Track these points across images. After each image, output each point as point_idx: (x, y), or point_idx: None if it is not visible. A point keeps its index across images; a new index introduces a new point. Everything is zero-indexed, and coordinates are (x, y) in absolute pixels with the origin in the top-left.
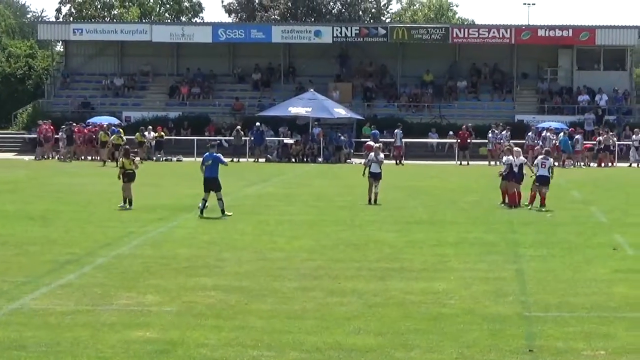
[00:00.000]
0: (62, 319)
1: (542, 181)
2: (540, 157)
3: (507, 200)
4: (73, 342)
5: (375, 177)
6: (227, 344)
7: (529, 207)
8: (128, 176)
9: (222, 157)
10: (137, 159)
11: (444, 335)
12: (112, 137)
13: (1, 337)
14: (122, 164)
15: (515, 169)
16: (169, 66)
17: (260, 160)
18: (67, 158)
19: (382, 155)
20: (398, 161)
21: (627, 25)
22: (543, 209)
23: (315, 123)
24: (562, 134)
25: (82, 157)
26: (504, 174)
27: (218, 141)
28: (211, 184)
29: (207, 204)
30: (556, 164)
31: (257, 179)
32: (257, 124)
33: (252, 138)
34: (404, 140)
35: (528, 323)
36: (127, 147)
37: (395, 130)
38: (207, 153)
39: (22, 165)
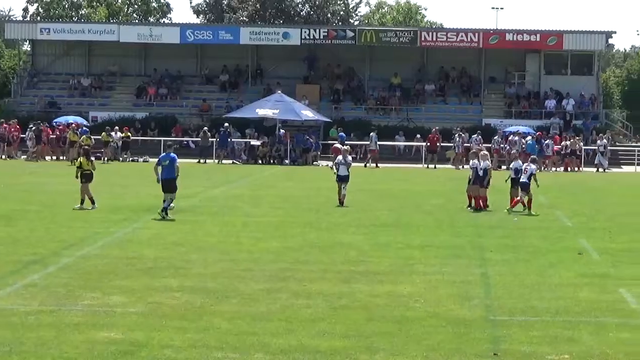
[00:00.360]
0: (26, 319)
1: (522, 187)
2: (524, 163)
3: (473, 204)
4: (37, 343)
5: (342, 179)
6: (191, 345)
7: (519, 210)
8: (85, 177)
9: (176, 158)
10: (105, 158)
11: (409, 338)
12: (81, 138)
13: None
14: (80, 163)
15: (480, 173)
16: (137, 66)
17: (224, 161)
18: (34, 158)
19: (349, 157)
20: (374, 164)
21: (595, 31)
22: (512, 212)
23: (279, 125)
24: (529, 137)
25: (50, 157)
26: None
27: (185, 142)
28: (169, 184)
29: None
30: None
31: (224, 181)
32: (226, 124)
33: (218, 139)
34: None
35: (493, 327)
36: (86, 147)
37: (371, 134)
38: (164, 153)
39: None
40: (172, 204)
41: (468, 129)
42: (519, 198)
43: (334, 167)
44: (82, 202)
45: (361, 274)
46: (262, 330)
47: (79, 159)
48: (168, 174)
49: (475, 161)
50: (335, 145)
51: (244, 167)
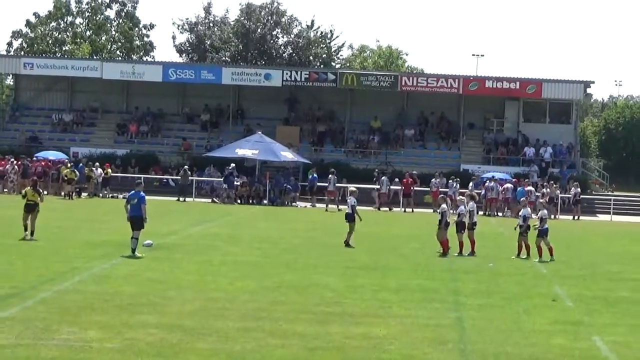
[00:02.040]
0: (2, 353)
1: (546, 233)
2: (542, 211)
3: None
4: None
5: (352, 219)
6: None
7: (514, 257)
8: (28, 207)
9: (145, 198)
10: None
11: None
12: (65, 171)
13: None
14: (26, 193)
15: (446, 218)
16: (119, 103)
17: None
18: (16, 191)
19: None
20: (387, 208)
21: (573, 80)
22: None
23: (230, 168)
24: (508, 185)
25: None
26: (457, 220)
27: (165, 180)
28: (136, 222)
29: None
30: (499, 214)
31: (203, 219)
32: (232, 164)
33: (225, 179)
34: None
35: None
36: (35, 178)
37: (382, 178)
38: (133, 191)
39: None
40: (150, 241)
41: (446, 174)
42: (547, 246)
43: (349, 208)
44: (25, 230)
45: (336, 315)
46: None
47: (25, 189)
48: (135, 211)
49: (444, 205)
50: (329, 189)
51: (222, 207)
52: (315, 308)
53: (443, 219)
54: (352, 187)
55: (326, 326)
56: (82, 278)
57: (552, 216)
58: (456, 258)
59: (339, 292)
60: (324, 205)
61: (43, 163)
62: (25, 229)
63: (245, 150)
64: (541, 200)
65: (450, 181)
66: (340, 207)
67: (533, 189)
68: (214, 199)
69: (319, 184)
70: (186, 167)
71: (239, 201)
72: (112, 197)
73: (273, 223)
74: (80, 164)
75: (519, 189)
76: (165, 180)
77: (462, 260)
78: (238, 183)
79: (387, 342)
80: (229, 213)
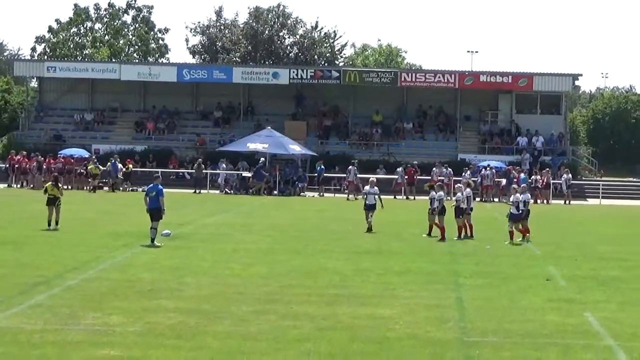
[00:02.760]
0: (32, 337)
1: (516, 218)
2: (515, 195)
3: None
4: (41, 359)
5: (370, 208)
6: None
7: (505, 242)
8: (48, 200)
9: (163, 190)
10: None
11: (389, 358)
12: (89, 167)
13: None
14: (46, 189)
15: (436, 204)
16: (136, 103)
17: (262, 194)
18: (36, 186)
19: (375, 188)
20: (404, 196)
21: (563, 73)
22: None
23: (260, 163)
24: (522, 174)
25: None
26: (455, 206)
27: (181, 173)
28: (155, 213)
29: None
30: (495, 200)
31: (217, 210)
32: (262, 159)
33: (254, 172)
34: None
35: (467, 347)
36: (55, 174)
37: (398, 169)
38: (152, 184)
39: None
40: (168, 231)
41: (444, 163)
42: (521, 229)
43: (363, 196)
44: (49, 224)
45: (344, 297)
46: (252, 349)
47: (46, 185)
48: (154, 203)
49: (440, 192)
50: (348, 179)
51: (235, 197)
52: (324, 291)
53: (440, 205)
54: (372, 177)
55: (335, 307)
56: (105, 266)
57: (545, 201)
58: (455, 242)
59: (346, 276)
60: (332, 195)
61: (63, 160)
62: (49, 225)
63: (256, 144)
64: (515, 186)
65: (444, 169)
66: (357, 196)
67: (526, 175)
68: (226, 189)
69: (325, 174)
70: (200, 160)
71: (251, 191)
72: (132, 190)
73: (283, 212)
74: (113, 160)
75: (522, 176)
76: (181, 174)
77: (461, 244)
78: (249, 175)
79: (392, 322)
80: (242, 204)
